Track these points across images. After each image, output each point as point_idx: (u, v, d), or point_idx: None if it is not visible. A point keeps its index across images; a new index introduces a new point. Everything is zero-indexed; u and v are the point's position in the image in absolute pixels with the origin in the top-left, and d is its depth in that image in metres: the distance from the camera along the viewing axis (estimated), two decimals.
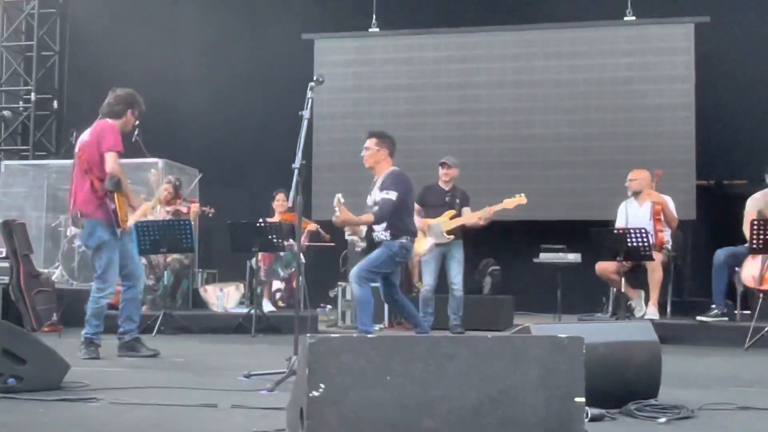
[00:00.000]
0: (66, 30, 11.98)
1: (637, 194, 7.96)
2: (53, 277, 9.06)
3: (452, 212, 7.86)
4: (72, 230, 10.00)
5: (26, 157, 11.69)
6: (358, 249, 7.76)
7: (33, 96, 11.77)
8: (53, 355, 4.39)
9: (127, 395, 4.12)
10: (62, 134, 11.70)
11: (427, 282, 7.79)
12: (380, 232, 6.25)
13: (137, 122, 6.14)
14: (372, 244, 6.35)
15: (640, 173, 8.03)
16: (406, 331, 7.71)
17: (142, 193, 8.53)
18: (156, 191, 8.97)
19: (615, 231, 7.56)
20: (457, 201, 7.90)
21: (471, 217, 7.83)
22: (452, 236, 7.79)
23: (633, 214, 7.95)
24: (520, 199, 7.73)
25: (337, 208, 6.21)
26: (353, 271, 6.22)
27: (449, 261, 7.87)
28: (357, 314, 6.47)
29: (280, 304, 9.28)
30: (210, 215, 9.02)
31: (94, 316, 5.86)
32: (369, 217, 6.26)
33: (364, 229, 6.42)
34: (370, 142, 6.38)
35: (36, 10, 11.81)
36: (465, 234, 7.98)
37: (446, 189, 7.99)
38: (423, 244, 7.77)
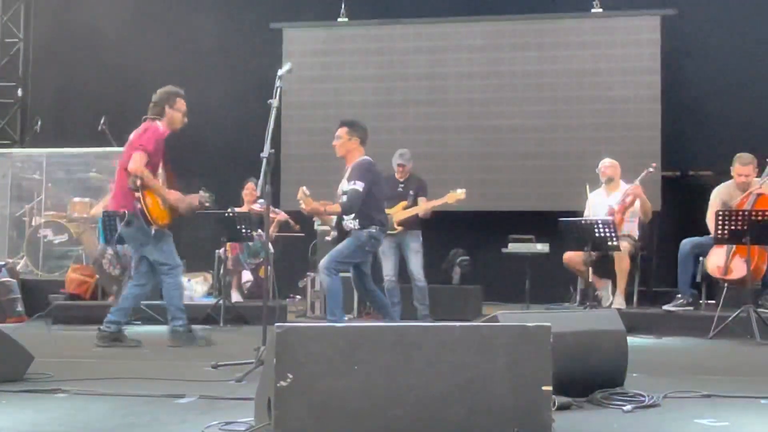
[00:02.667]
0: (30, 17, 11.75)
1: (610, 181, 8.01)
2: (17, 268, 8.94)
3: (404, 203, 7.87)
4: (37, 220, 9.88)
5: None
6: (328, 238, 7.75)
7: None
8: (16, 347, 4.34)
9: (93, 386, 4.07)
10: (27, 123, 11.48)
11: (387, 273, 7.80)
12: (349, 221, 6.26)
13: (185, 117, 6.19)
14: (342, 233, 6.34)
15: (613, 162, 8.09)
16: (376, 320, 7.71)
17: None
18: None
19: (582, 222, 7.59)
20: (411, 192, 7.91)
21: (421, 207, 7.84)
22: (401, 227, 7.78)
23: (600, 204, 7.99)
24: (460, 194, 7.77)
25: (301, 201, 6.18)
26: (322, 262, 6.21)
27: (405, 252, 7.85)
28: (327, 305, 6.47)
29: (245, 293, 9.22)
30: None
31: (179, 305, 6.12)
32: (336, 207, 6.25)
33: (333, 218, 6.41)
34: (342, 131, 6.35)
35: None
36: (429, 224, 7.98)
37: (400, 180, 8.00)
38: None
